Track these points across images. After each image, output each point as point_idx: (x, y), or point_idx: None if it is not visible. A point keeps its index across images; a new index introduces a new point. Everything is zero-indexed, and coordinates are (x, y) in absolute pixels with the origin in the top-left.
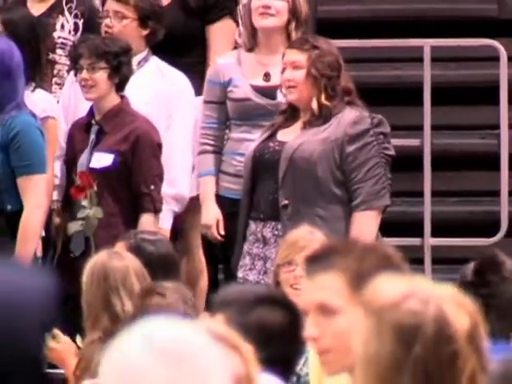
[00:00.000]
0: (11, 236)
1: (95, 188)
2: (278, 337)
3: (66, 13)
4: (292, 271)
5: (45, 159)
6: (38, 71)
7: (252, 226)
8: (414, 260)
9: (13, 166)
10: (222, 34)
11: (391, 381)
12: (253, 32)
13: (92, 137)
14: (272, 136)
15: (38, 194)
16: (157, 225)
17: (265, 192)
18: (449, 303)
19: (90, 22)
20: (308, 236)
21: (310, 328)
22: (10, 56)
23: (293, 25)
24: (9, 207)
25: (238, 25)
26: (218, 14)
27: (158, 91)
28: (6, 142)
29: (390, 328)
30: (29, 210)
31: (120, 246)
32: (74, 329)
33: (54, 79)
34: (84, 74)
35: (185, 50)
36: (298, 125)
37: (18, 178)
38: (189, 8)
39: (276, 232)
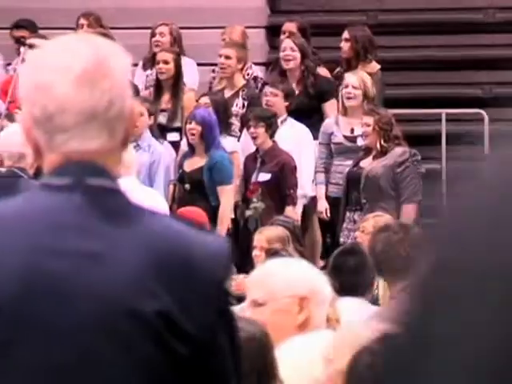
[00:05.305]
0: (213, 220)
1: (259, 191)
2: (352, 272)
3: (240, 96)
4: None
5: (232, 176)
6: (227, 127)
7: (347, 213)
8: None
9: (214, 180)
10: (330, 108)
11: None
12: (344, 105)
13: (258, 165)
14: (357, 164)
15: (229, 197)
16: (295, 212)
17: (353, 195)
18: None
19: (251, 102)
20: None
21: None
22: (209, 117)
23: (365, 102)
24: (213, 203)
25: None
26: (327, 98)
27: (292, 137)
28: (211, 166)
29: None
30: (224, 206)
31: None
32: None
33: (232, 133)
34: (251, 129)
35: (308, 116)
36: (371, 157)
37: (218, 186)
38: (310, 94)
39: (361, 217)
